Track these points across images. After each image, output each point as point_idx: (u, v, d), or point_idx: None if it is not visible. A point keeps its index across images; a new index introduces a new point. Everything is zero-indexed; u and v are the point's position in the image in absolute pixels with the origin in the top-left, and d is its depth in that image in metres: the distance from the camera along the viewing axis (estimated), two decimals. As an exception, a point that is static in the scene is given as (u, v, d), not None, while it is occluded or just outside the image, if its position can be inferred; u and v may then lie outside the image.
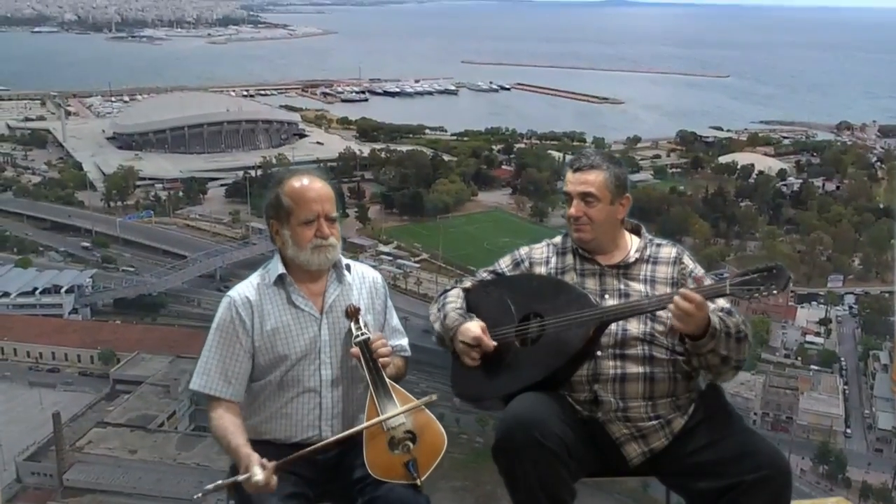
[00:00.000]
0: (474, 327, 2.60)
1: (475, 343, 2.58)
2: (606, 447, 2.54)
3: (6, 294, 61.45)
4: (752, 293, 2.37)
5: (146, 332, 58.94)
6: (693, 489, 2.49)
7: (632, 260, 2.64)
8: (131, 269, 69.50)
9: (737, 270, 2.44)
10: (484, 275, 2.80)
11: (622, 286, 2.60)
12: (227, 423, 2.51)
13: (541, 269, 2.72)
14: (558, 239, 2.77)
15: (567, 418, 2.46)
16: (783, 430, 49.84)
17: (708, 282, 2.56)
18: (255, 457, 2.36)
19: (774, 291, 2.36)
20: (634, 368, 2.52)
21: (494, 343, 2.58)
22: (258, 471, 2.30)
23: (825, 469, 46.48)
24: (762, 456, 2.40)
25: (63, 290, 62.28)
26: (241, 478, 2.32)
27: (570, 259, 2.69)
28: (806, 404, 50.37)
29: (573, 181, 2.64)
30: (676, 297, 2.38)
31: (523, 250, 2.79)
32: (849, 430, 50.38)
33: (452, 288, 2.79)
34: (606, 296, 2.59)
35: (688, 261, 2.66)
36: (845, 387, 53.91)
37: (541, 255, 2.75)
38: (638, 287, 2.60)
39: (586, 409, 2.53)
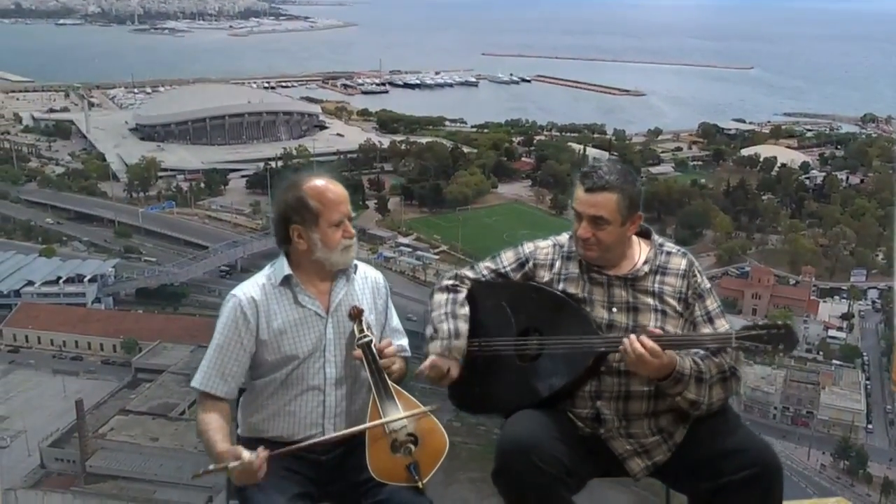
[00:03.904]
0: (453, 370, 2.51)
1: (439, 379, 2.51)
2: (608, 461, 2.52)
3: (30, 283, 62.20)
4: (758, 351, 2.35)
5: (168, 321, 59.50)
6: (690, 489, 2.49)
7: (641, 273, 2.51)
8: (153, 260, 70.13)
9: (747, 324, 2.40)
10: (485, 271, 2.67)
11: (631, 298, 2.49)
12: (216, 423, 2.47)
13: (544, 273, 2.58)
14: (564, 238, 2.63)
15: (566, 437, 2.41)
16: (804, 424, 49.53)
17: (714, 303, 2.54)
18: (239, 447, 2.34)
19: (781, 352, 2.36)
20: (638, 386, 2.46)
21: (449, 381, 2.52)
22: (247, 453, 2.28)
23: (846, 464, 46.14)
24: (749, 453, 2.36)
25: (86, 280, 62.93)
26: (232, 464, 2.27)
27: (574, 266, 2.55)
28: (827, 399, 49.98)
29: (584, 202, 2.46)
30: (626, 340, 2.36)
31: (528, 247, 2.64)
32: (870, 426, 49.93)
33: (460, 287, 2.65)
34: (614, 309, 2.49)
35: (698, 274, 2.55)
36: (867, 382, 53.36)
37: (545, 256, 2.61)
38: (647, 300, 2.49)
39: (588, 427, 2.49)
